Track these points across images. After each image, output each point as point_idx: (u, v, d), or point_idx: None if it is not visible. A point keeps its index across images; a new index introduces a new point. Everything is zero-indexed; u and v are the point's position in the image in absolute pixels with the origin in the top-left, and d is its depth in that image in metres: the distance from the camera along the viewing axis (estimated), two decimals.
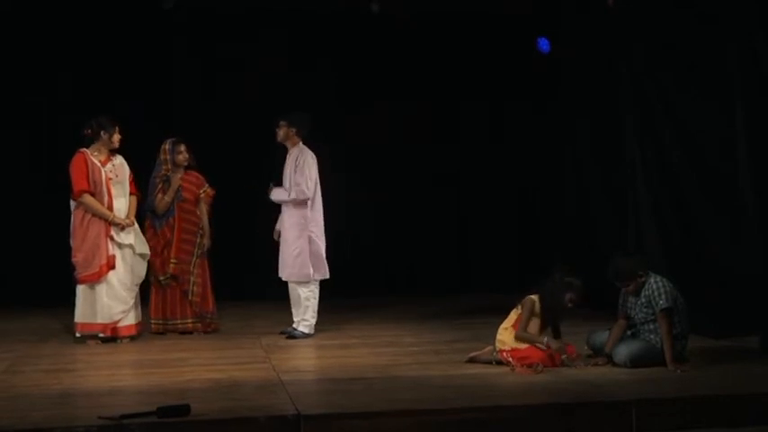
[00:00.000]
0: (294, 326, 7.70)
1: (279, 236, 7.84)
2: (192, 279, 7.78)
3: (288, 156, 7.77)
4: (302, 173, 7.54)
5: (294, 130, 7.68)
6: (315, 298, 7.65)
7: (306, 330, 7.62)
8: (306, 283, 7.61)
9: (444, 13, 9.95)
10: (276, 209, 7.85)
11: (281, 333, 7.73)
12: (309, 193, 7.54)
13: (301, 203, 7.57)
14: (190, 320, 7.83)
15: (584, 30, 9.39)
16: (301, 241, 7.57)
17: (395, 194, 10.65)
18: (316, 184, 7.62)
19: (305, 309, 7.63)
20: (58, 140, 9.23)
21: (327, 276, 7.71)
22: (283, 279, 7.74)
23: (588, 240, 9.60)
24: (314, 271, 7.60)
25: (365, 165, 10.24)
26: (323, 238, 7.69)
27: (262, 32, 10.09)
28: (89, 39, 9.78)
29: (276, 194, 7.71)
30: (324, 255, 7.67)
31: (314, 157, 7.66)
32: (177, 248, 7.78)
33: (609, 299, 6.87)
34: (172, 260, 7.77)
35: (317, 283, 7.67)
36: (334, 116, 9.93)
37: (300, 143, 7.72)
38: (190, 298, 7.78)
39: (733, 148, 7.07)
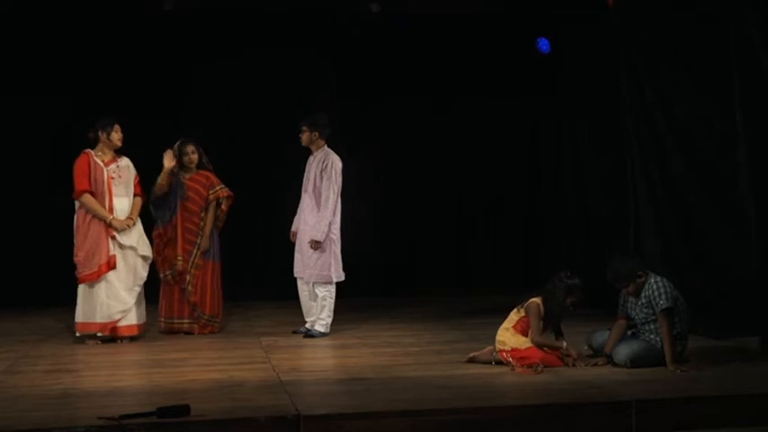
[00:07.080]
0: (308, 326, 7.73)
1: (295, 237, 7.85)
2: (188, 278, 7.77)
3: (312, 157, 7.77)
4: (328, 179, 7.53)
5: (317, 133, 7.70)
6: (331, 298, 7.66)
7: (322, 330, 7.63)
8: (325, 283, 7.62)
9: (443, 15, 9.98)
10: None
11: (294, 332, 7.74)
12: (334, 201, 7.54)
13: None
14: (186, 321, 7.82)
15: (584, 30, 9.40)
16: (325, 243, 7.58)
17: (395, 194, 10.64)
18: (338, 189, 7.62)
19: (321, 308, 7.64)
20: (60, 140, 9.23)
21: (342, 278, 7.71)
22: (304, 280, 7.73)
23: (588, 240, 9.61)
24: (333, 272, 7.62)
25: (365, 165, 10.23)
26: (339, 240, 7.70)
27: (261, 33, 10.09)
28: (92, 40, 9.74)
29: (316, 232, 7.54)
30: (340, 256, 7.69)
31: (340, 161, 7.66)
32: (182, 247, 7.77)
33: (609, 299, 6.87)
34: (178, 257, 7.74)
35: (334, 284, 7.69)
36: (334, 115, 9.92)
37: (325, 146, 7.74)
38: (187, 297, 7.78)
39: (733, 149, 7.07)
